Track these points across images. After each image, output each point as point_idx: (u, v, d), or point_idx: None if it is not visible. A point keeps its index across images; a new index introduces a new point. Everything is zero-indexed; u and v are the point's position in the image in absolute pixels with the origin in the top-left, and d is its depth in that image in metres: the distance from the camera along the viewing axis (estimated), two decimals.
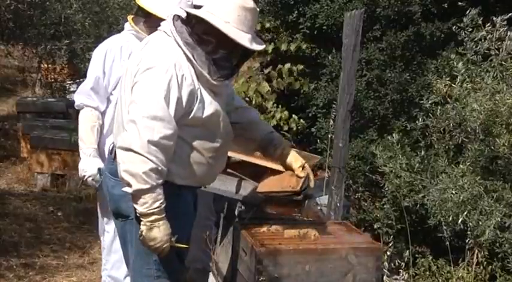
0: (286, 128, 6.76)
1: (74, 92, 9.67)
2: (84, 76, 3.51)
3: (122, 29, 3.39)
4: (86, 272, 4.52)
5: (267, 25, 7.12)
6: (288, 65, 6.86)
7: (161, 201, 2.36)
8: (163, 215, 2.38)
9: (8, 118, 9.44)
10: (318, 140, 6.48)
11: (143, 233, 2.38)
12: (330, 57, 6.70)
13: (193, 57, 2.42)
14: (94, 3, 7.33)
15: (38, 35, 6.66)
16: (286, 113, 6.81)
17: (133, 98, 2.38)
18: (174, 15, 2.52)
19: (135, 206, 2.37)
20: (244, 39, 2.42)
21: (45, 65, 10.53)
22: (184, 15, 2.51)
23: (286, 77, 6.85)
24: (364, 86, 6.41)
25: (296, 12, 7.04)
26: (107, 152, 2.93)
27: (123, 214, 2.57)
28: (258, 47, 2.48)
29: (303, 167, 2.73)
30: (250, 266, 2.66)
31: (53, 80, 10.68)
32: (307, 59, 7.07)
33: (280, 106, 6.89)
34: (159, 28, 2.57)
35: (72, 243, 5.04)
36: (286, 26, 7.21)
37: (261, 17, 7.18)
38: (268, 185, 3.01)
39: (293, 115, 6.80)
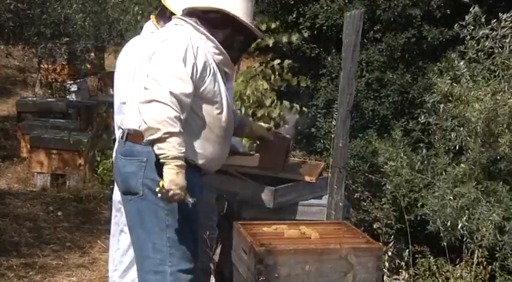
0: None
1: (74, 92, 9.76)
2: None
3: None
4: (86, 272, 4.52)
5: (273, 26, 7.10)
6: (277, 61, 6.82)
7: (184, 149, 2.45)
8: (185, 164, 2.46)
9: (8, 118, 9.45)
10: (320, 140, 6.48)
11: (169, 178, 2.43)
12: (329, 58, 6.71)
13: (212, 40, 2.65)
14: (94, 4, 7.33)
15: (38, 34, 6.66)
16: (287, 102, 6.75)
17: (152, 62, 2.54)
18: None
19: (161, 151, 2.42)
20: (252, 27, 2.71)
21: (45, 65, 10.54)
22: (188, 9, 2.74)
23: (283, 73, 6.82)
24: (364, 86, 6.42)
25: (296, 12, 7.06)
26: None
27: (133, 191, 2.63)
28: (261, 34, 2.83)
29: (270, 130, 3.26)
30: (250, 266, 2.67)
31: (53, 80, 10.69)
32: (307, 59, 7.08)
33: (279, 104, 6.87)
34: (168, 24, 2.79)
35: (72, 243, 5.04)
36: (286, 26, 7.22)
37: (264, 18, 7.19)
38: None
39: (294, 104, 6.76)
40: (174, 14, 3.15)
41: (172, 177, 2.43)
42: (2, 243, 4.81)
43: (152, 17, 3.37)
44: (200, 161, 2.68)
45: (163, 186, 2.43)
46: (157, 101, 2.41)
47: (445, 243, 3.92)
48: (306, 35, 6.90)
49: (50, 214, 5.72)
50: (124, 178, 2.67)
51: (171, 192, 2.44)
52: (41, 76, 10.88)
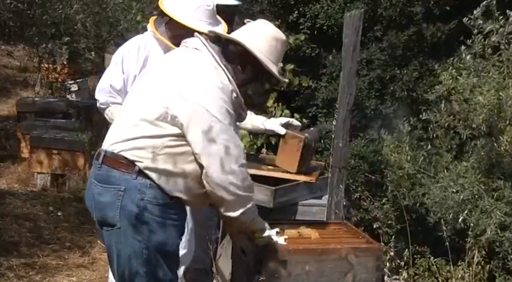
0: None
1: (74, 91, 9.75)
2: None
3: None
4: (86, 272, 4.53)
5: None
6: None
7: None
8: None
9: (8, 118, 9.43)
10: (320, 140, 6.46)
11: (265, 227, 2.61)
12: (330, 57, 6.70)
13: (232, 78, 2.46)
14: (95, 4, 7.33)
15: (39, 34, 6.66)
16: (287, 111, 6.78)
17: (209, 134, 2.34)
18: (205, 34, 2.55)
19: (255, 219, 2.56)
20: (274, 69, 2.49)
21: (46, 65, 10.53)
22: (212, 35, 2.54)
23: (285, 74, 6.82)
24: (365, 86, 6.42)
25: (296, 12, 7.04)
26: None
27: (110, 223, 2.43)
28: (285, 79, 2.64)
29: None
30: (250, 266, 2.66)
31: (53, 80, 10.68)
32: (307, 59, 7.06)
33: (280, 105, 6.87)
34: (187, 45, 2.52)
35: (72, 243, 5.04)
36: (287, 26, 7.20)
37: (264, 18, 7.18)
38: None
39: (295, 114, 6.78)
40: (172, 19, 3.13)
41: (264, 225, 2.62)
42: (2, 243, 4.81)
43: (151, 20, 3.35)
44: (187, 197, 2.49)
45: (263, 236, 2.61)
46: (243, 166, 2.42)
47: (447, 243, 3.91)
48: (302, 38, 6.88)
49: (50, 214, 5.72)
50: (100, 208, 2.45)
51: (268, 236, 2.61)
52: (41, 76, 10.87)
